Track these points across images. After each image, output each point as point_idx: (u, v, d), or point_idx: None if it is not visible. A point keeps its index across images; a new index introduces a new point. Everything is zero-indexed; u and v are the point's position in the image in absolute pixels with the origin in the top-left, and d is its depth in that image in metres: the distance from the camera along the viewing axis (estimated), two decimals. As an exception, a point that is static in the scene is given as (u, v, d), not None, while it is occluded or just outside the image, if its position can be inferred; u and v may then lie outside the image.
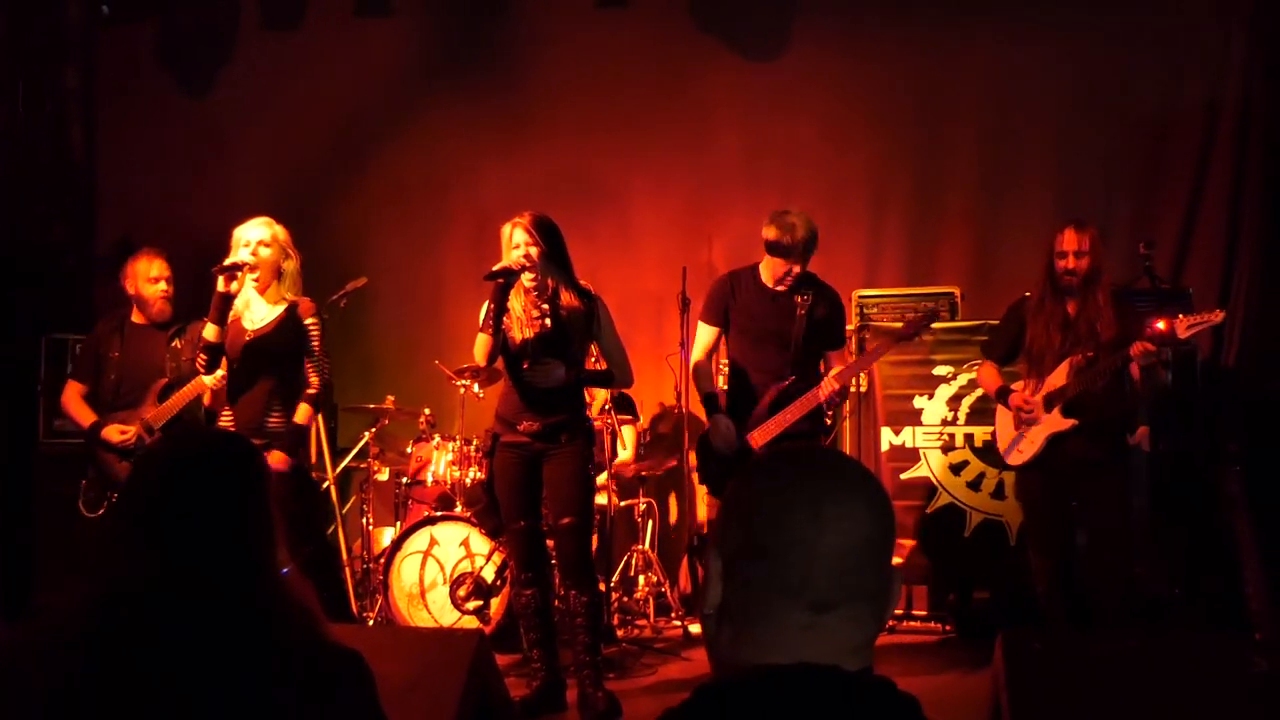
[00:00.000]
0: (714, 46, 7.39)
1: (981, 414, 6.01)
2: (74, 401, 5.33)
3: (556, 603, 4.82)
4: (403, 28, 7.75)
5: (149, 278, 5.30)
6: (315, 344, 4.77)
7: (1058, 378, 4.74)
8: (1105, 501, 4.76)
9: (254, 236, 4.71)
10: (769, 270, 4.96)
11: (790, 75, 7.33)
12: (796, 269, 4.88)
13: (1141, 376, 4.69)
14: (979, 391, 6.05)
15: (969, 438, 6.06)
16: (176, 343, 5.27)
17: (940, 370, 6.14)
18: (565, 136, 7.52)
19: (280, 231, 4.76)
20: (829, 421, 5.18)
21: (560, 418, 4.64)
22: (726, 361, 5.39)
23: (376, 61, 7.79)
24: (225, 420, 4.72)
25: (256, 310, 4.75)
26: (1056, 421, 4.72)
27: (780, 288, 4.94)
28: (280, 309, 4.75)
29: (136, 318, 5.36)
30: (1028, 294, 4.98)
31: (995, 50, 7.04)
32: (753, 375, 5.00)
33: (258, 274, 4.68)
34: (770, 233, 4.87)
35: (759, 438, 4.90)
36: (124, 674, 1.59)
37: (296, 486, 4.72)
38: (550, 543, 4.92)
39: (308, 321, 4.77)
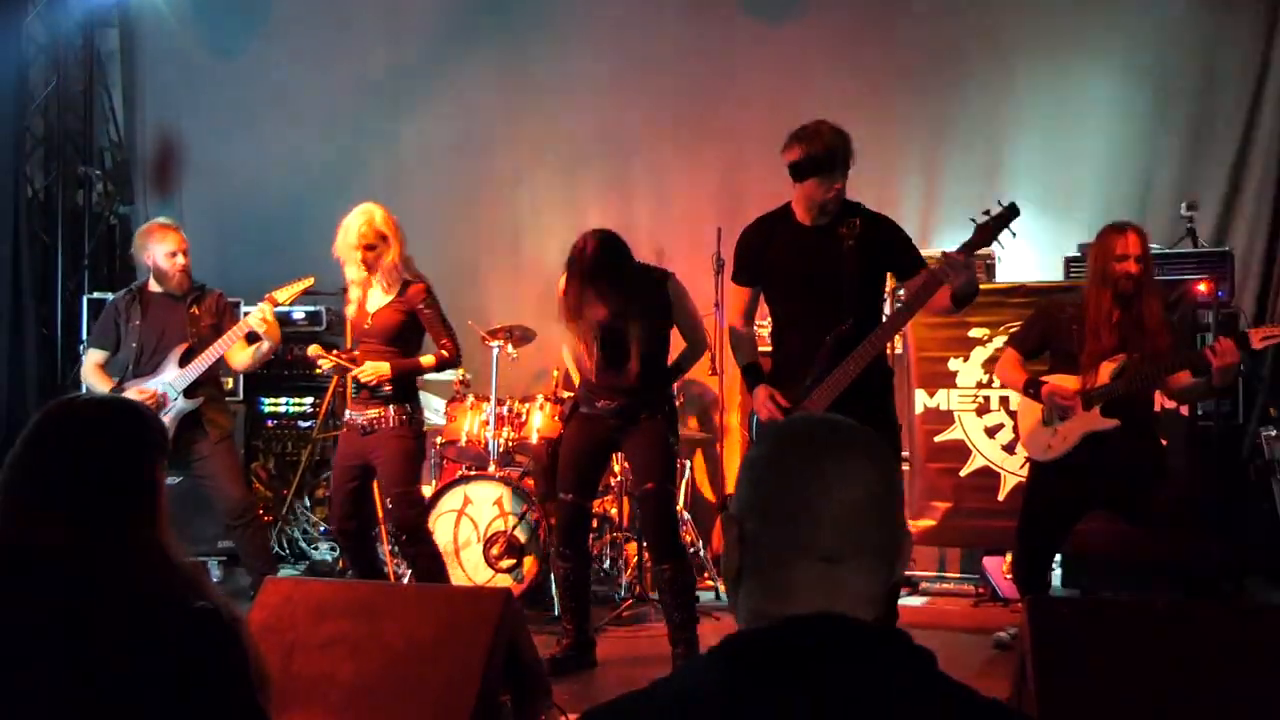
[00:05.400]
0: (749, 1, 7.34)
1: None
2: (93, 371, 5.44)
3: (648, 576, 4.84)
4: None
5: (167, 253, 5.36)
6: (435, 321, 5.04)
7: (1101, 377, 4.54)
8: (1156, 479, 4.56)
9: (360, 240, 4.92)
10: (803, 203, 4.23)
11: (827, 31, 7.26)
12: (837, 186, 4.12)
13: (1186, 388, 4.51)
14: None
15: (1004, 400, 6.00)
16: (195, 309, 5.40)
17: (976, 332, 6.08)
18: (598, 96, 7.48)
19: (382, 222, 4.95)
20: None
21: (638, 398, 4.65)
22: (767, 322, 4.79)
23: (409, 21, 7.79)
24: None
25: (374, 295, 5.03)
26: (1095, 420, 4.53)
27: (823, 220, 4.19)
28: (392, 295, 5.02)
29: (153, 287, 5.44)
30: (1060, 295, 4.86)
31: (1032, 8, 6.94)
32: (801, 331, 4.25)
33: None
34: (794, 152, 4.14)
35: (818, 402, 4.09)
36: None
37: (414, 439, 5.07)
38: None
39: (419, 306, 5.01)
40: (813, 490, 1.36)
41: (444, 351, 5.05)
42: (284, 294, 5.33)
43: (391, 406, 4.96)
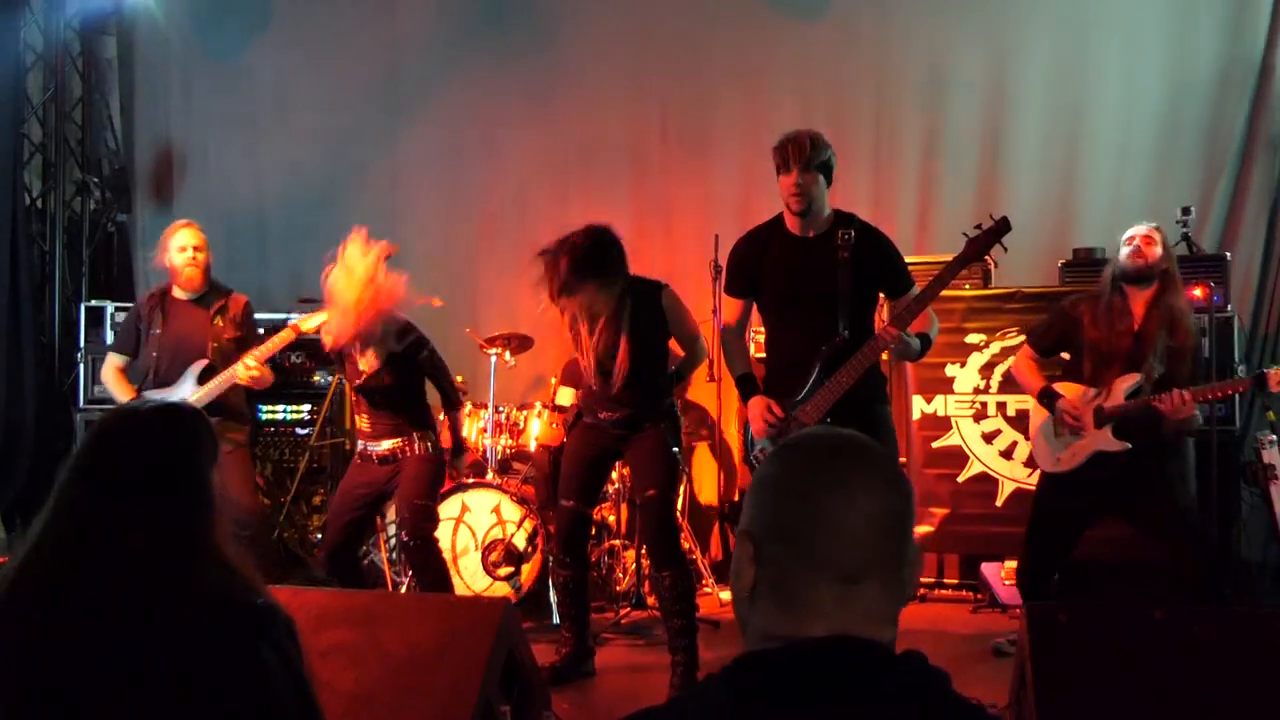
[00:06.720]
0: (753, 6, 7.35)
1: (1014, 382, 5.95)
2: (113, 376, 5.33)
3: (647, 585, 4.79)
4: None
5: (178, 248, 5.28)
6: (432, 365, 5.01)
7: (1115, 394, 4.56)
8: (1164, 491, 4.57)
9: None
10: (791, 212, 4.23)
11: (833, 37, 7.27)
12: (788, 179, 4.13)
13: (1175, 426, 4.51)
14: (1011, 359, 6.00)
15: (1001, 406, 6.01)
16: (219, 321, 5.30)
17: (973, 339, 6.09)
18: (596, 102, 7.49)
19: (360, 298, 4.70)
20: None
21: (639, 410, 4.65)
22: (762, 329, 4.83)
23: (410, 28, 7.80)
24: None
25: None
26: (1106, 440, 4.55)
27: (813, 229, 4.20)
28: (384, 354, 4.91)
29: (177, 292, 5.35)
30: (1080, 296, 4.84)
31: (1030, 11, 6.96)
32: (794, 342, 4.22)
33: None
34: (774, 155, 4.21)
35: (811, 413, 4.07)
36: (62, 620, 1.78)
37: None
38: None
39: (419, 356, 4.95)
40: (835, 511, 1.34)
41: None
42: (308, 323, 5.17)
43: (415, 434, 4.95)
